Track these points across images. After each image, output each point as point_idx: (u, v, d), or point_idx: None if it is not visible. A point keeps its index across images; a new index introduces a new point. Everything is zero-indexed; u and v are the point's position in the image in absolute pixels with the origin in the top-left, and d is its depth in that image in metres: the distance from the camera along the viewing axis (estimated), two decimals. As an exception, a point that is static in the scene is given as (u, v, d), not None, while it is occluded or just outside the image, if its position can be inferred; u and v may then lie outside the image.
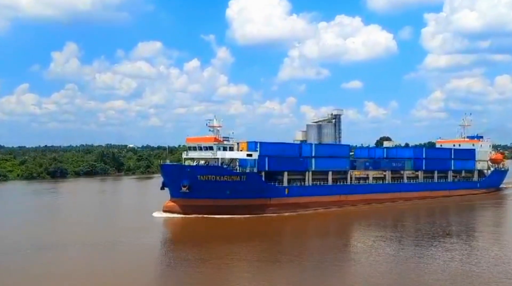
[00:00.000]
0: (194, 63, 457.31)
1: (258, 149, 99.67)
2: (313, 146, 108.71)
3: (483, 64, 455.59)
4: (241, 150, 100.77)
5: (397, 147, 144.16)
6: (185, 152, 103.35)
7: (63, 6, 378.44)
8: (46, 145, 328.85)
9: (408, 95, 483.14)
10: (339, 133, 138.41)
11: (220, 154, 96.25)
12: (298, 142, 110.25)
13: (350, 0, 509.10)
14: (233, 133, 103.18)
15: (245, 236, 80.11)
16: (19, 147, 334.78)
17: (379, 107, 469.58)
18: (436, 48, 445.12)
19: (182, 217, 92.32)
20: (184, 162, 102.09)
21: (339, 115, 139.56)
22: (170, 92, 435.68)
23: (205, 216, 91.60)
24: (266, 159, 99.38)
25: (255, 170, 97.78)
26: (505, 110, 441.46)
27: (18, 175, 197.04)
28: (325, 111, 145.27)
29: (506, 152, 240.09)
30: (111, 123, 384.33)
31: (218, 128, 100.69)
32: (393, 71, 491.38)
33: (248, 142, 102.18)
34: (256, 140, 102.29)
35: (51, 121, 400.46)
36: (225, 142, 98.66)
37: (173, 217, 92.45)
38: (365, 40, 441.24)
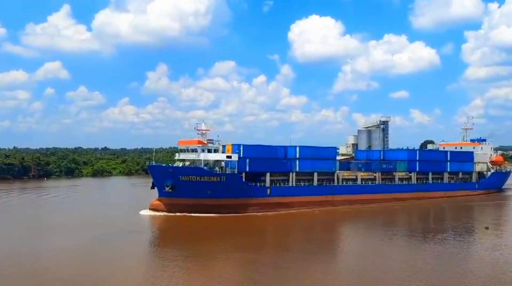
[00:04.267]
0: (261, 78, 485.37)
1: (239, 151, 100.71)
2: (298, 148, 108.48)
3: None
4: (227, 152, 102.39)
5: (393, 149, 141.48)
6: (177, 153, 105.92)
7: (155, 33, 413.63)
8: (142, 147, 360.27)
9: (450, 103, 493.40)
10: (387, 137, 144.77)
11: (203, 156, 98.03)
12: (284, 145, 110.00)
13: (397, 21, 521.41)
14: (218, 136, 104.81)
15: (220, 232, 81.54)
16: (121, 149, 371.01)
17: (423, 114, 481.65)
18: (476, 61, 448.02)
19: (164, 215, 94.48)
20: (176, 163, 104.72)
21: (387, 121, 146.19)
22: (241, 103, 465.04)
23: (187, 214, 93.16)
24: (247, 161, 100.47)
25: (236, 171, 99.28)
26: None
27: (120, 172, 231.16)
28: (374, 118, 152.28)
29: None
30: (193, 129, 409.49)
31: (205, 132, 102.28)
32: (436, 82, 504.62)
33: (232, 145, 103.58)
34: (242, 143, 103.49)
35: (146, 128, 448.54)
36: (209, 145, 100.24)
37: (158, 215, 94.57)
38: (411, 56, 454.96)
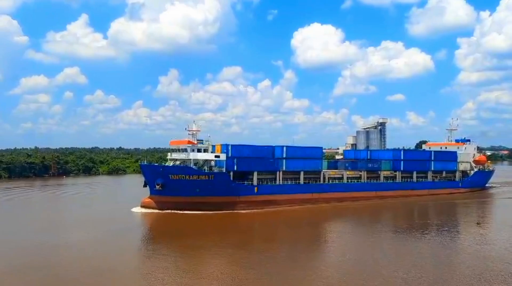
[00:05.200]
0: (266, 82, 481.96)
1: (228, 151, 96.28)
2: (284, 148, 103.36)
3: (510, 78, 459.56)
4: (216, 152, 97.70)
5: (378, 150, 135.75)
6: (169, 153, 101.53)
7: (167, 40, 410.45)
8: (154, 147, 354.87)
9: (444, 106, 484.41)
10: (384, 138, 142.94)
11: (193, 155, 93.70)
12: (272, 145, 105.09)
13: (393, 28, 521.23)
14: (209, 136, 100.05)
15: (209, 229, 77.41)
16: (135, 148, 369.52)
17: (419, 116, 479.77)
18: (468, 67, 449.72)
19: (155, 212, 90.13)
20: (167, 162, 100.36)
21: (384, 123, 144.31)
22: (247, 106, 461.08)
23: (177, 212, 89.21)
24: (235, 160, 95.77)
25: (224, 170, 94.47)
26: None
27: (133, 170, 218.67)
28: (372, 120, 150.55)
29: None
30: (202, 130, 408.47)
31: (196, 132, 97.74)
32: (431, 86, 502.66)
33: (221, 145, 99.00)
34: (231, 143, 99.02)
35: (158, 129, 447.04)
36: (198, 145, 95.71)
37: (149, 212, 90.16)
38: (407, 61, 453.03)
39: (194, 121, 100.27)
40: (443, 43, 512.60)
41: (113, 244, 64.99)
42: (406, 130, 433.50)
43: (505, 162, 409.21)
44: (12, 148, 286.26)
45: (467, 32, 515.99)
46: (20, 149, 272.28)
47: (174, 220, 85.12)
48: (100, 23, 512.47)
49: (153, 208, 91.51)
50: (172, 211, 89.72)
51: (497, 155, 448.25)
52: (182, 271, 50.07)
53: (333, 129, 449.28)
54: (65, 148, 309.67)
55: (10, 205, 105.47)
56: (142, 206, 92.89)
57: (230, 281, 46.92)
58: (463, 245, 64.87)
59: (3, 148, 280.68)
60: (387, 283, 45.59)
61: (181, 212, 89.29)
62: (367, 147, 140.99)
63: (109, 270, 50.68)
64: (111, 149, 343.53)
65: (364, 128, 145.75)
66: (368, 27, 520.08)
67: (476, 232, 74.06)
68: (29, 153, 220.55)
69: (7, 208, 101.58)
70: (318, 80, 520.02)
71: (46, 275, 49.02)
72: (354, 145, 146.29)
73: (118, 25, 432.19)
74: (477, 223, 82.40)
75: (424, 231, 74.95)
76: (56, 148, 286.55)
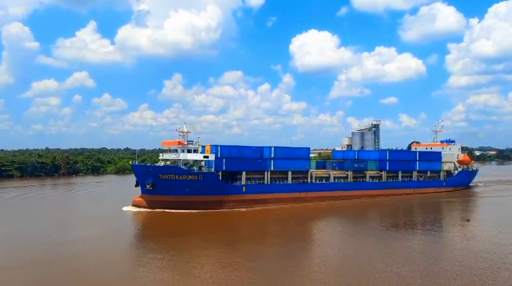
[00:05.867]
0: (266, 86, 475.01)
1: (217, 151, 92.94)
2: (272, 149, 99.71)
3: (498, 82, 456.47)
4: (206, 153, 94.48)
5: (366, 150, 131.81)
6: (161, 154, 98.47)
7: (171, 46, 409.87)
8: (159, 148, 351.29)
9: (435, 108, 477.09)
10: (378, 139, 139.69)
11: (183, 156, 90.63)
12: (261, 146, 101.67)
13: (387, 34, 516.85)
14: (199, 137, 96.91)
15: (198, 227, 74.09)
16: (140, 149, 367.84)
17: (411, 118, 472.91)
18: (458, 71, 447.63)
19: (146, 211, 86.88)
20: (159, 163, 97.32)
21: (378, 124, 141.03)
22: (248, 108, 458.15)
23: (167, 210, 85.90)
24: (224, 161, 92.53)
25: (213, 170, 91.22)
26: None
27: None
28: (367, 122, 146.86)
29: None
30: (205, 132, 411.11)
31: (186, 133, 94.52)
32: (423, 89, 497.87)
33: (211, 145, 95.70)
34: (221, 144, 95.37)
35: (163, 130, 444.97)
36: (188, 145, 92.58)
37: (140, 211, 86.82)
38: (399, 65, 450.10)
39: (185, 123, 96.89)
40: (434, 48, 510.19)
41: (102, 242, 62.06)
42: (399, 131, 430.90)
43: (493, 162, 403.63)
44: (24, 148, 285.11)
45: (457, 38, 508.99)
46: (32, 149, 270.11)
47: (164, 218, 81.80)
48: (107, 30, 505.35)
49: (144, 207, 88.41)
50: (162, 210, 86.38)
51: (486, 156, 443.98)
52: (172, 267, 48.36)
53: (329, 130, 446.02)
54: (75, 148, 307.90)
55: (27, 202, 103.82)
56: (133, 205, 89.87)
57: (220, 276, 44.73)
58: (454, 241, 62.65)
59: (15, 149, 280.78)
60: (381, 277, 44.03)
61: (171, 211, 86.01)
62: (362, 147, 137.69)
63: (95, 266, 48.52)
64: (118, 150, 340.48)
65: (359, 130, 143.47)
66: (363, 33, 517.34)
67: (464, 229, 71.73)
68: (40, 154, 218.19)
69: (23, 205, 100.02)
70: (315, 83, 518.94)
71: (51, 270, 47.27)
72: (349, 146, 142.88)
73: (125, 32, 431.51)
74: (467, 220, 79.70)
75: (413, 228, 72.56)
76: (66, 149, 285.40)
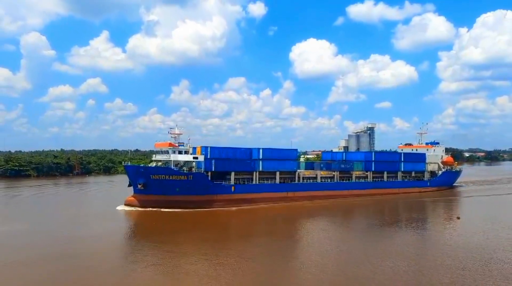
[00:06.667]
0: (267, 91, 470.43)
1: (207, 152, 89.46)
2: (261, 150, 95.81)
3: (486, 88, 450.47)
4: (197, 154, 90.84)
5: (352, 152, 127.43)
6: (154, 155, 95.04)
7: (179, 54, 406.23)
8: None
9: (427, 112, 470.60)
10: (373, 141, 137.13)
11: (173, 157, 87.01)
12: (250, 147, 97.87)
13: (381, 43, 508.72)
14: (189, 139, 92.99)
15: (188, 225, 70.65)
16: (150, 150, 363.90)
17: (404, 121, 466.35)
18: (448, 77, 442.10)
19: (138, 210, 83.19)
20: (151, 163, 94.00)
21: (373, 127, 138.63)
22: (250, 112, 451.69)
23: (159, 209, 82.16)
24: (213, 161, 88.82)
25: (202, 170, 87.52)
26: (504, 123, 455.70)
27: None
28: (362, 125, 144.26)
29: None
30: (210, 134, 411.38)
31: (177, 135, 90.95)
32: (415, 94, 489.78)
33: (201, 147, 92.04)
34: (211, 146, 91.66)
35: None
36: (179, 147, 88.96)
37: (133, 210, 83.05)
38: (393, 72, 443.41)
39: (176, 125, 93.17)
40: (425, 56, 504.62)
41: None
42: (393, 134, 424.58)
43: (482, 163, 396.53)
44: (41, 150, 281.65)
45: (447, 46, 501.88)
46: (48, 151, 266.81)
47: (155, 217, 77.80)
48: (119, 39, 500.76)
49: (136, 206, 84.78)
50: (154, 209, 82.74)
51: (475, 157, 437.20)
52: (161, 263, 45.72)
53: (327, 133, 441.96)
54: (88, 150, 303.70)
55: (43, 201, 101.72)
56: (126, 204, 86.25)
57: (208, 270, 42.75)
58: (445, 237, 60.68)
59: (33, 150, 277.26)
60: (377, 270, 42.85)
61: (162, 210, 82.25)
62: (358, 149, 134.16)
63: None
64: (129, 151, 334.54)
65: (355, 132, 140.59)
66: (358, 42, 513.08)
67: (455, 225, 69.64)
68: (55, 155, 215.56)
69: (39, 202, 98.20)
70: (313, 89, 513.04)
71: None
72: (346, 148, 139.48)
73: (135, 41, 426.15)
74: (457, 217, 76.65)
75: (401, 226, 70.03)
76: (79, 150, 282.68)
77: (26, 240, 57.45)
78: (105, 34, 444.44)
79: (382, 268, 43.45)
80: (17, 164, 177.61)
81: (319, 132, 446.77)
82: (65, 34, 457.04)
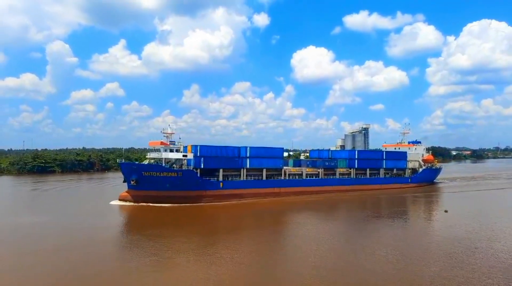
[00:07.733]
0: (270, 95, 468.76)
1: (196, 151, 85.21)
2: (248, 148, 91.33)
3: (472, 91, 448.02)
4: (188, 152, 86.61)
5: (337, 150, 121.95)
6: (148, 153, 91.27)
7: (190, 61, 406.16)
8: None
9: (417, 114, 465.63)
10: (367, 140, 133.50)
11: (165, 155, 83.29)
12: (238, 146, 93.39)
13: (375, 50, 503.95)
14: (180, 138, 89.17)
15: (178, 219, 66.92)
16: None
17: (396, 122, 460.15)
18: (437, 81, 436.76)
19: (131, 204, 79.65)
20: (145, 161, 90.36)
21: (367, 128, 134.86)
22: (255, 114, 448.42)
23: (150, 204, 78.63)
24: (202, 159, 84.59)
25: (192, 167, 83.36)
26: (488, 124, 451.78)
27: None
28: (358, 125, 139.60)
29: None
30: (218, 134, 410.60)
31: (170, 134, 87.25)
32: (406, 97, 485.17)
33: (192, 145, 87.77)
34: (200, 144, 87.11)
35: (182, 133, 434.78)
36: (170, 145, 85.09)
37: (126, 205, 79.56)
38: (386, 77, 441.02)
39: (169, 125, 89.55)
40: (416, 62, 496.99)
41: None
42: (386, 133, 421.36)
43: (468, 161, 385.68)
44: (64, 148, 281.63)
45: (436, 53, 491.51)
46: (71, 149, 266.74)
47: (147, 211, 74.12)
48: (135, 47, 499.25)
49: (129, 201, 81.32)
50: (146, 204, 79.11)
51: (461, 155, 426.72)
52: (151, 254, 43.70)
53: (325, 133, 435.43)
54: (107, 148, 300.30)
55: (66, 194, 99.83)
56: (120, 199, 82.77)
57: (199, 261, 40.95)
58: (433, 229, 59.79)
59: (57, 148, 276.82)
60: (372, 258, 42.46)
61: (154, 204, 78.53)
62: (353, 148, 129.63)
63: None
64: (144, 149, 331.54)
65: (351, 132, 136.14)
66: (354, 49, 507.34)
67: (440, 219, 67.04)
68: (78, 153, 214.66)
69: (62, 196, 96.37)
70: (312, 92, 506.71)
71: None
72: (342, 146, 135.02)
73: (150, 48, 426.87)
74: (445, 211, 72.56)
75: (387, 219, 66.87)
76: (99, 148, 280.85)
77: (52, 231, 56.46)
78: (122, 42, 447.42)
79: (377, 258, 42.25)
80: (43, 161, 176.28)
81: (318, 132, 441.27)
82: (87, 42, 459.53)
